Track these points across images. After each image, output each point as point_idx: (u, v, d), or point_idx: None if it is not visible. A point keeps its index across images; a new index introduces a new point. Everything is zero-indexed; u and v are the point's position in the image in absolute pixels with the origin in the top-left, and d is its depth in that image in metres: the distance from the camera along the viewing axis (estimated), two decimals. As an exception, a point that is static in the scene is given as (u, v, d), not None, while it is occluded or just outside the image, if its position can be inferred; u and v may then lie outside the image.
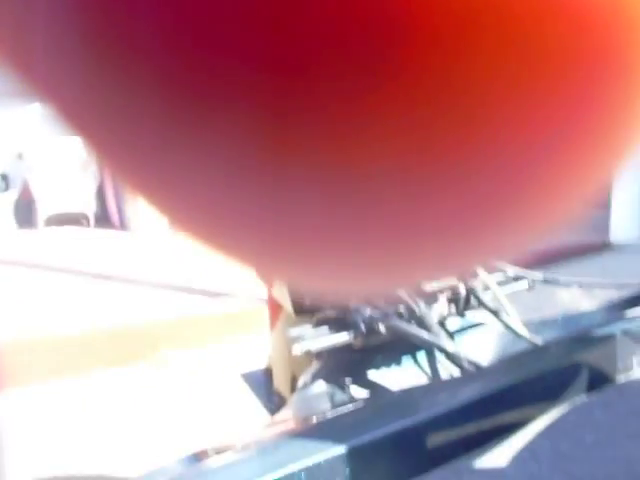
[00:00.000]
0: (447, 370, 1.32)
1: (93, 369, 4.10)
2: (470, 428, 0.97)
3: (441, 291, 1.30)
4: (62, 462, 3.15)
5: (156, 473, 0.91)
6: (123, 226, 8.45)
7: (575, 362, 1.12)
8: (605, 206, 7.60)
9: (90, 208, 8.54)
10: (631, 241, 7.37)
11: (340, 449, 0.83)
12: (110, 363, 4.17)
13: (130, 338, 4.32)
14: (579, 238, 7.31)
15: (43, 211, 8.19)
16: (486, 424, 0.98)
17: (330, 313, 1.32)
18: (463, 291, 1.34)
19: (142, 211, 8.11)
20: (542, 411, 1.02)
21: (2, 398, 3.46)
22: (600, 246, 7.26)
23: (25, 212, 8.27)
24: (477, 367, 1.23)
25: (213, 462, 0.87)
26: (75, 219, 8.46)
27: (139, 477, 0.91)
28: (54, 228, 8.19)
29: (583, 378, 1.10)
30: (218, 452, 0.93)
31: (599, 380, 1.12)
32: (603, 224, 7.54)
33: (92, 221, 8.51)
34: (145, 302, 5.10)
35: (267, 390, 1.73)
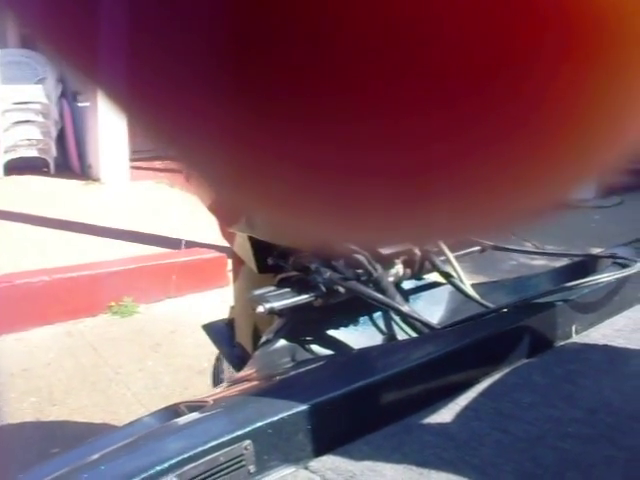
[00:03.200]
0: (401, 329, 1.38)
1: (57, 319, 4.09)
2: (420, 387, 1.03)
3: (397, 255, 1.35)
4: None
5: (131, 428, 0.97)
6: (84, 173, 8.35)
7: (518, 328, 1.18)
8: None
9: (50, 154, 8.42)
10: (585, 199, 7.46)
11: (302, 406, 0.89)
12: (73, 313, 4.16)
13: (92, 287, 4.29)
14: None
15: (2, 157, 8.06)
16: (435, 384, 1.05)
17: (292, 273, 1.37)
18: (418, 255, 1.39)
19: (103, 158, 8.04)
20: (486, 373, 1.09)
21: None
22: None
23: (-16, 157, 8.14)
24: (428, 327, 1.29)
25: (183, 419, 0.92)
26: (36, 165, 8.34)
27: (114, 430, 0.96)
28: (14, 175, 8.07)
29: (525, 343, 1.17)
30: (188, 407, 0.99)
31: (539, 345, 1.19)
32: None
33: (53, 167, 8.40)
34: (107, 250, 5.06)
35: (229, 341, 1.76)
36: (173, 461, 0.80)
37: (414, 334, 1.34)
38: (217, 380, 2.01)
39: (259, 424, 0.86)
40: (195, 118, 0.21)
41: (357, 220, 0.24)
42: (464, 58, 0.18)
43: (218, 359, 2.04)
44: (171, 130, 0.23)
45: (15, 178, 7.98)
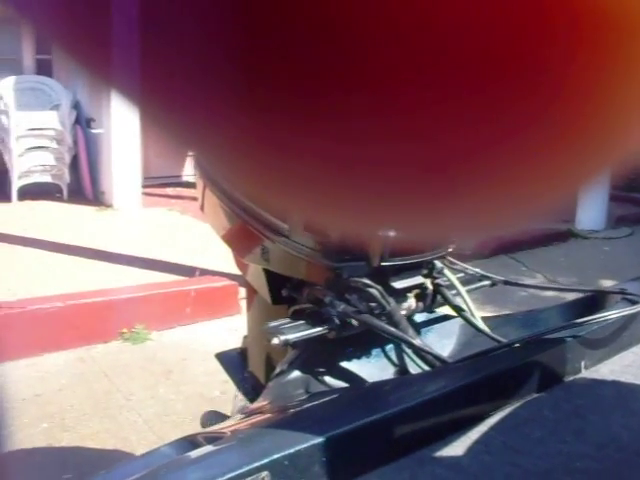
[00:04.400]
0: (413, 362, 1.40)
1: (70, 345, 4.12)
2: (432, 421, 1.06)
3: (410, 289, 1.37)
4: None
5: (148, 457, 0.99)
6: (96, 199, 8.41)
7: (528, 363, 1.20)
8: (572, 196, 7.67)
9: (64, 180, 8.49)
10: (595, 230, 7.48)
11: (318, 439, 0.91)
12: (85, 339, 4.18)
13: (105, 314, 4.32)
14: (546, 226, 7.43)
15: (16, 182, 8.13)
16: (446, 417, 1.07)
17: (305, 306, 1.39)
18: (430, 289, 1.41)
19: (115, 184, 8.09)
20: (496, 407, 1.11)
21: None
22: (565, 234, 7.36)
23: (-2, 183, 8.21)
24: (440, 361, 1.31)
25: (201, 450, 0.95)
26: (49, 191, 8.40)
27: (131, 459, 0.98)
28: (27, 200, 8.13)
29: (535, 378, 1.19)
30: (205, 438, 1.01)
31: (549, 380, 1.21)
32: (569, 213, 7.63)
33: (66, 193, 8.46)
34: (119, 277, 5.09)
35: (242, 371, 1.77)
36: None
37: (426, 367, 1.36)
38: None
39: (276, 456, 0.88)
40: (210, 115, 0.21)
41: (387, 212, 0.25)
42: (479, 51, 0.18)
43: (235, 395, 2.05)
44: (186, 127, 0.23)
45: (28, 203, 8.05)
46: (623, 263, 6.00)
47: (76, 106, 8.82)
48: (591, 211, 7.53)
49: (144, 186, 8.39)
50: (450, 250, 1.38)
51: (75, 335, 4.15)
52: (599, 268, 6.08)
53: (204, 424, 1.79)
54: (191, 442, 1.01)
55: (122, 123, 7.97)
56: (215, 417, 1.80)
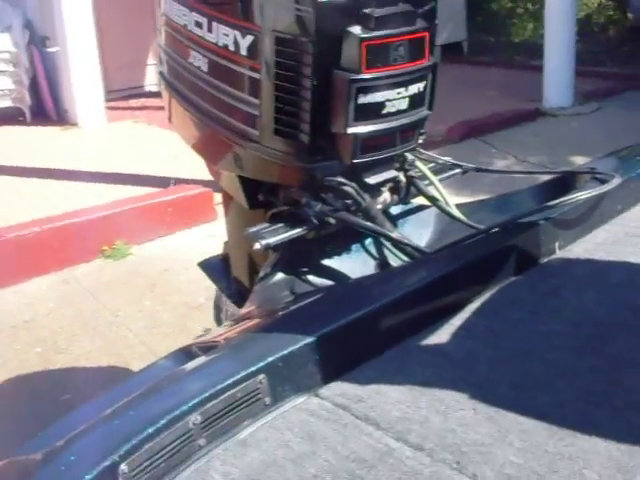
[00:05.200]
0: (392, 254, 1.43)
1: (52, 268, 4.13)
2: (415, 311, 1.09)
3: (383, 183, 1.39)
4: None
5: (148, 372, 1.02)
6: (60, 118, 8.29)
7: (504, 247, 1.24)
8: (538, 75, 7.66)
9: (25, 103, 8.34)
10: (563, 107, 7.47)
11: (308, 338, 0.95)
12: (67, 261, 4.19)
13: (83, 234, 4.31)
14: (513, 106, 7.42)
15: (-23, 108, 7.99)
16: (429, 306, 1.10)
17: (282, 208, 1.41)
18: (404, 181, 1.43)
19: (78, 101, 7.96)
20: (476, 293, 1.14)
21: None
22: (533, 113, 7.36)
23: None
24: (419, 251, 1.34)
25: (198, 361, 0.98)
26: (11, 115, 8.27)
27: (133, 375, 1.01)
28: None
29: (511, 261, 1.22)
30: (201, 348, 1.04)
31: (525, 263, 1.24)
32: (536, 92, 7.62)
33: (29, 116, 8.33)
34: (92, 195, 5.07)
35: (226, 277, 1.79)
36: (195, 400, 0.86)
37: (405, 258, 1.39)
38: (219, 317, 2.06)
39: (270, 359, 0.92)
40: None
41: None
42: None
43: (217, 296, 2.08)
44: None
45: (-8, 129, 7.92)
46: (592, 139, 6.03)
47: (28, 25, 8.58)
48: (558, 88, 7.50)
49: (107, 100, 8.25)
50: (420, 142, 1.40)
51: (56, 258, 4.16)
52: (568, 145, 6.11)
53: None
54: (187, 353, 1.04)
55: (78, 39, 7.79)
56: None
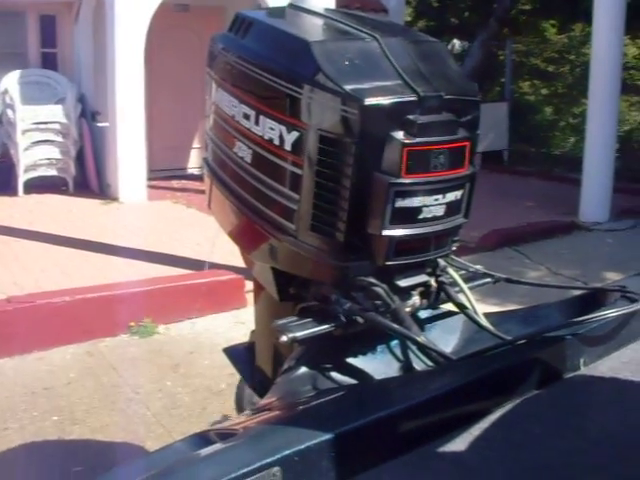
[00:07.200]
0: (417, 358, 1.43)
1: (78, 338, 4.15)
2: (435, 417, 1.09)
3: (414, 287, 1.39)
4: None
5: (162, 453, 1.02)
6: (102, 192, 8.43)
7: (529, 360, 1.23)
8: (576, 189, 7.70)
9: (70, 173, 8.51)
10: (599, 222, 7.48)
11: (326, 435, 0.95)
12: (93, 333, 4.21)
13: (113, 308, 4.34)
14: (549, 218, 7.45)
15: (23, 176, 8.16)
16: (449, 414, 1.10)
17: (312, 303, 1.41)
18: (434, 286, 1.43)
19: (121, 177, 8.11)
20: (498, 403, 1.14)
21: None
22: (569, 226, 7.38)
23: (5, 177, 8.22)
24: (444, 357, 1.33)
25: (214, 447, 0.98)
26: (55, 184, 8.43)
27: (146, 455, 1.01)
28: (34, 194, 8.15)
29: (535, 375, 1.22)
30: (218, 434, 1.04)
31: (549, 377, 1.24)
32: (573, 205, 7.65)
33: (72, 186, 8.49)
34: (126, 270, 5.12)
35: (250, 366, 1.79)
36: None
37: (430, 363, 1.38)
38: (240, 405, 2.05)
39: (286, 452, 0.91)
40: None
41: None
42: None
43: (240, 384, 2.07)
44: None
45: (35, 197, 8.08)
46: (626, 255, 6.01)
47: (81, 99, 8.84)
48: (594, 203, 7.53)
49: (149, 179, 8.41)
50: (454, 249, 1.41)
51: (83, 329, 4.19)
52: (602, 260, 6.10)
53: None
54: (203, 438, 1.04)
55: (127, 116, 7.99)
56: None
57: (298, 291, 1.45)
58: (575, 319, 1.30)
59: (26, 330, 4.07)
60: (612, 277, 4.91)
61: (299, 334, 1.29)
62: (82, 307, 4.26)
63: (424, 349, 1.38)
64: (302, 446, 0.93)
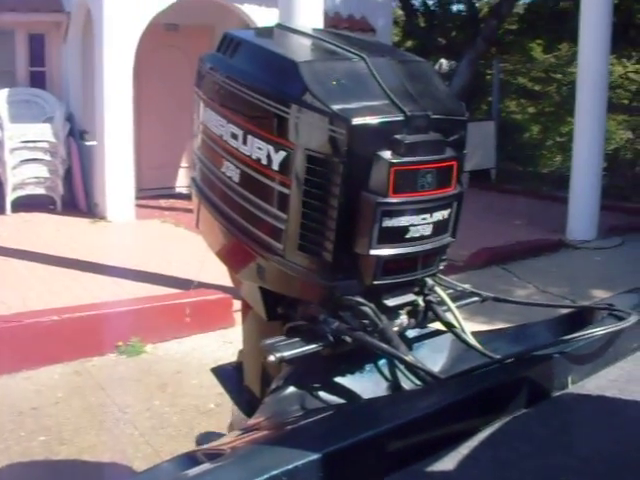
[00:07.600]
0: (405, 377, 1.43)
1: (65, 358, 4.13)
2: (424, 436, 1.09)
3: (402, 306, 1.39)
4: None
5: (150, 474, 1.02)
6: (90, 211, 8.42)
7: (517, 379, 1.24)
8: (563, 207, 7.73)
9: (57, 192, 8.50)
10: (586, 240, 7.51)
11: (314, 455, 0.94)
12: (81, 352, 4.19)
13: (100, 327, 4.33)
14: (537, 236, 7.47)
15: (10, 194, 8.14)
16: (437, 432, 1.10)
17: (300, 323, 1.41)
18: (422, 306, 1.43)
19: (109, 196, 8.10)
20: (486, 422, 1.14)
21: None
22: (556, 244, 7.40)
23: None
24: (432, 377, 1.33)
25: (202, 467, 0.97)
26: (42, 203, 8.41)
27: (134, 476, 1.01)
28: (21, 212, 8.13)
29: (523, 393, 1.22)
30: (206, 455, 1.04)
31: (537, 395, 1.24)
32: (560, 224, 7.68)
33: (59, 205, 8.47)
34: (114, 289, 5.11)
35: (238, 385, 1.78)
36: None
37: (418, 382, 1.38)
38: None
39: (274, 472, 0.91)
40: None
41: None
42: None
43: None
44: None
45: (22, 215, 8.06)
46: (614, 273, 6.04)
47: (69, 118, 8.83)
48: (582, 221, 7.56)
49: (137, 198, 8.40)
50: (441, 268, 1.41)
51: (71, 348, 4.17)
52: (590, 278, 6.12)
53: (200, 444, 1.80)
54: (192, 458, 1.04)
55: (115, 135, 7.99)
56: (211, 438, 1.81)
57: (286, 310, 1.45)
58: (563, 337, 1.30)
59: (13, 349, 4.05)
60: (600, 295, 4.93)
61: (287, 354, 1.29)
62: (70, 326, 4.24)
63: (412, 368, 1.38)
64: (290, 466, 0.93)
